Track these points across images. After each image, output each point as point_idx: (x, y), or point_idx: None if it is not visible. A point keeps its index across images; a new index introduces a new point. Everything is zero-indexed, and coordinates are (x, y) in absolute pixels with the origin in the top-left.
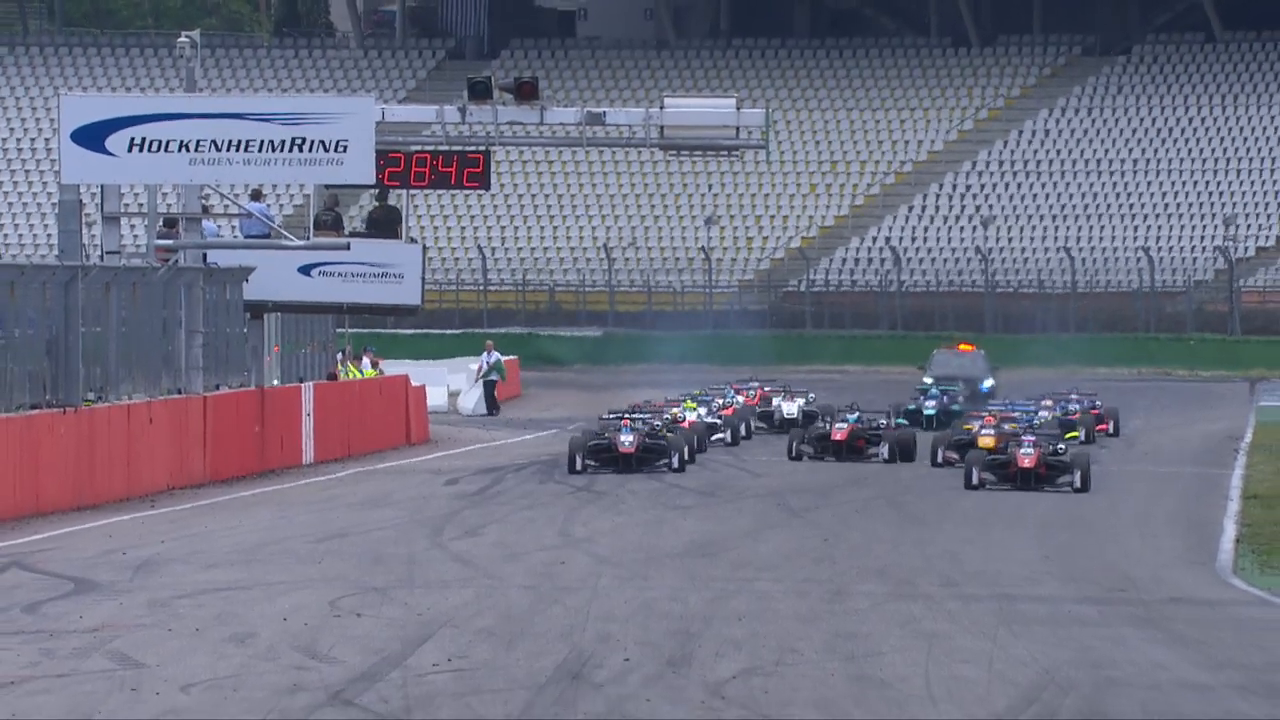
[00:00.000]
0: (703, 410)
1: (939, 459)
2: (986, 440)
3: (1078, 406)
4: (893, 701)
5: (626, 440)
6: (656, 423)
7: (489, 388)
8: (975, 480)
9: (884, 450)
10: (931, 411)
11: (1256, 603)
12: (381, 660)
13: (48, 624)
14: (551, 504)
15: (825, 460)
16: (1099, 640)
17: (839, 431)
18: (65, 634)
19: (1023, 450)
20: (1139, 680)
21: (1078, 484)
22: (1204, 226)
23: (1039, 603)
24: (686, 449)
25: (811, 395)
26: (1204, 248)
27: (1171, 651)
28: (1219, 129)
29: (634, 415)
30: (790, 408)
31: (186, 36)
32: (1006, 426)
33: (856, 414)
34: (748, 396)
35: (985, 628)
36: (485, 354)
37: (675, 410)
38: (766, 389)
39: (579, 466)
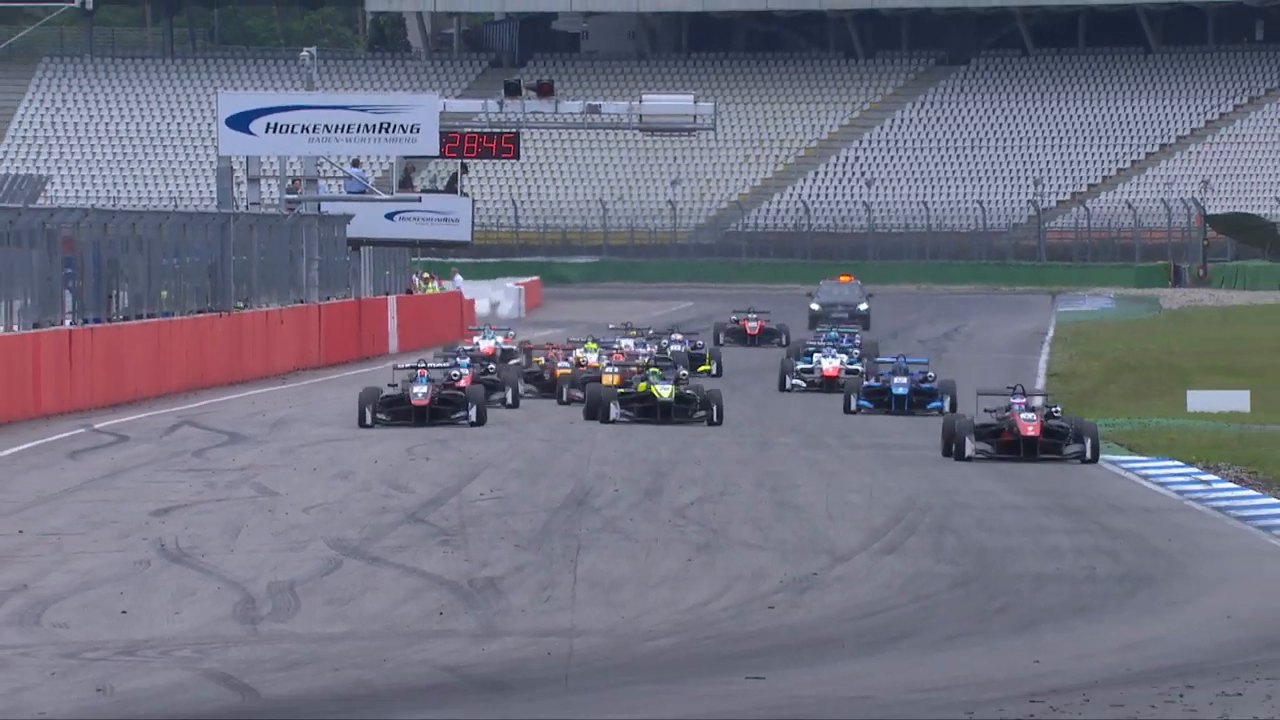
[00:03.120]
0: (604, 356)
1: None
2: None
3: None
4: (803, 520)
5: (419, 392)
6: (455, 373)
7: None
8: (969, 451)
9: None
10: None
11: None
12: (443, 491)
13: (209, 464)
14: None
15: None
16: (948, 476)
17: (664, 391)
18: (221, 471)
19: (1024, 417)
20: (976, 503)
21: (1088, 454)
22: (1020, 186)
23: (906, 450)
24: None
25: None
26: (1020, 201)
27: (998, 483)
28: (1031, 118)
29: (431, 366)
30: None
31: (307, 51)
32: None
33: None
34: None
35: (868, 468)
36: (452, 279)
37: (578, 353)
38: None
39: (369, 421)
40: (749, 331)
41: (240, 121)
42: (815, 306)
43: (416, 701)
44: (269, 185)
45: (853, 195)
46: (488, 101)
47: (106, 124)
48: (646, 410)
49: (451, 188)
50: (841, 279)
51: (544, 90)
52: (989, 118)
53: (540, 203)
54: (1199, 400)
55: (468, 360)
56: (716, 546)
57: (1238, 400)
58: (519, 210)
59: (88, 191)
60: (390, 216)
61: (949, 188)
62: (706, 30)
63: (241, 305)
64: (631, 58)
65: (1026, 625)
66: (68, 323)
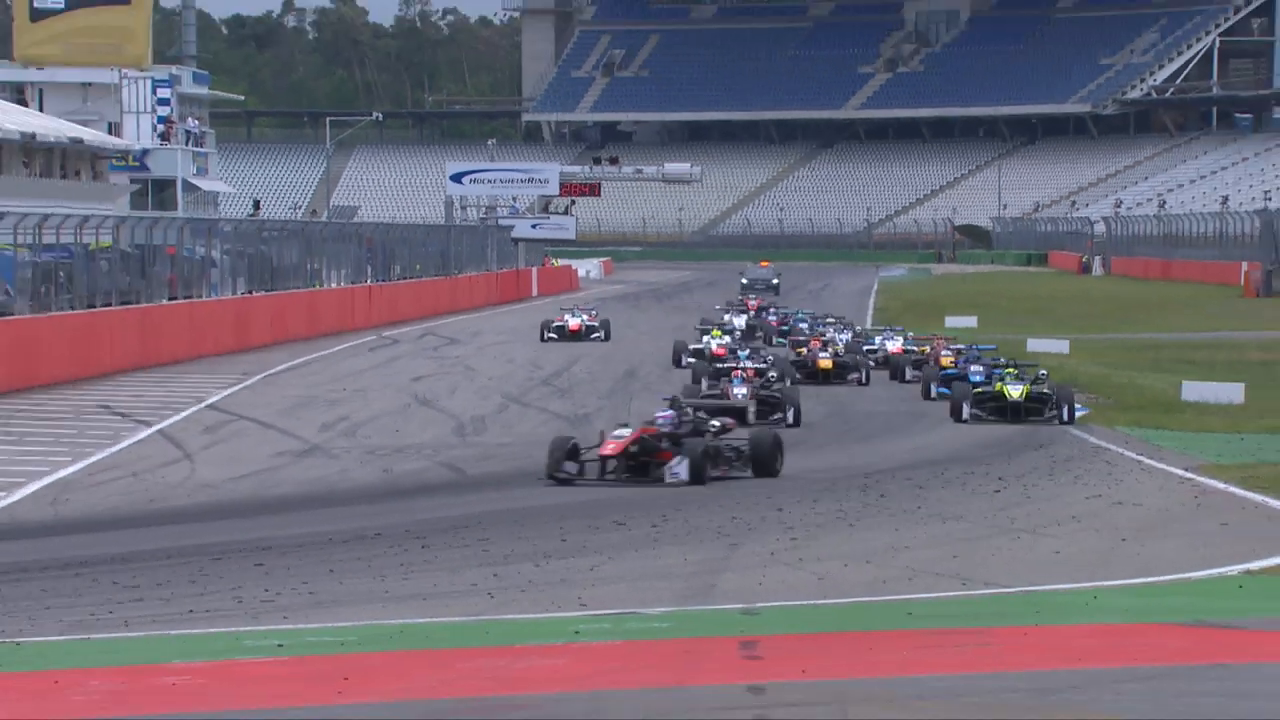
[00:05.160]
0: (727, 339)
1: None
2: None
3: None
4: None
5: (740, 394)
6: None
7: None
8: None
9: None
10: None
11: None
12: (561, 368)
13: (440, 354)
14: (636, 303)
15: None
16: None
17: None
18: (446, 358)
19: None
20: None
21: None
22: (860, 211)
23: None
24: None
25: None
26: (860, 219)
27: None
28: (866, 175)
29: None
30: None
31: (491, 141)
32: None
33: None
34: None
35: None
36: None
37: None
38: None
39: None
40: (751, 307)
41: (457, 177)
42: (744, 280)
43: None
44: (472, 210)
45: (772, 216)
46: (584, 166)
47: (388, 178)
48: (999, 410)
49: (566, 212)
50: (761, 264)
51: (613, 161)
52: (844, 175)
53: (611, 219)
54: (951, 321)
55: (747, 352)
56: None
57: (971, 321)
58: (600, 223)
59: (379, 214)
60: (533, 226)
61: (823, 212)
62: (697, 130)
63: (457, 272)
64: (658, 144)
65: (864, 439)
66: (368, 282)
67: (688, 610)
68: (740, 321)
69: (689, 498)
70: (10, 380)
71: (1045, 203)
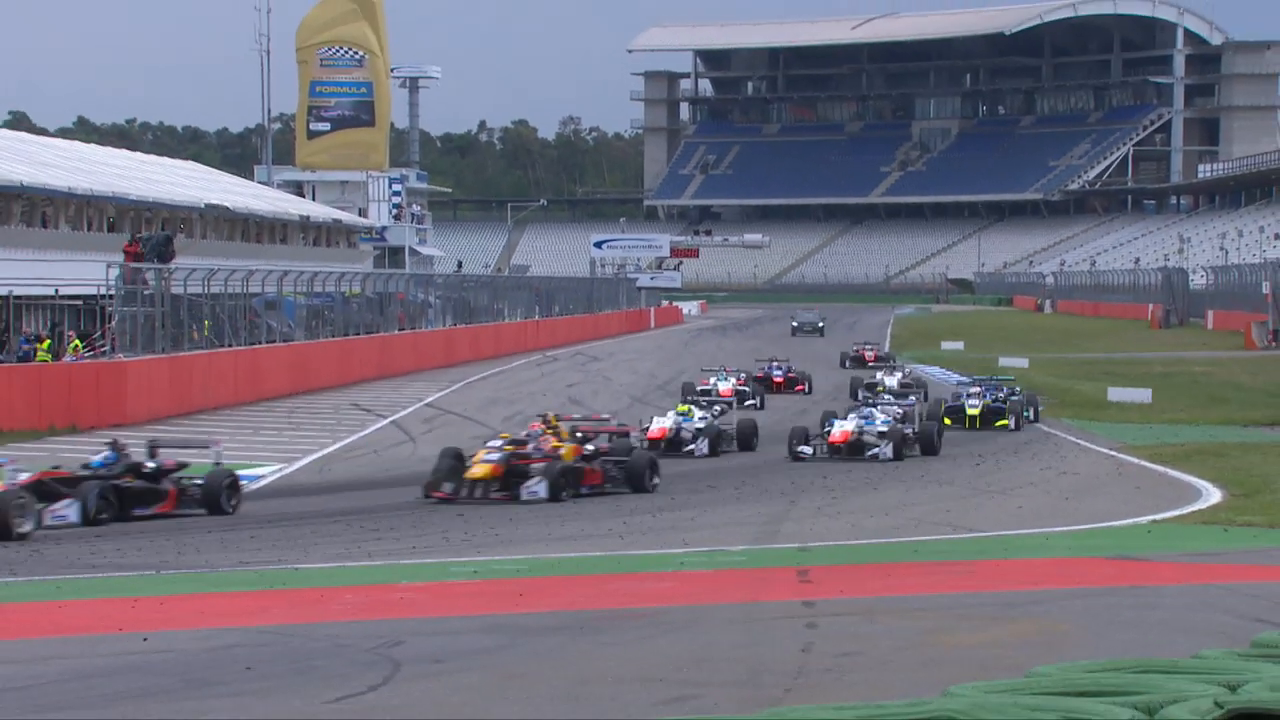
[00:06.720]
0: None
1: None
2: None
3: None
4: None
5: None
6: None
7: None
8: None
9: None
10: (975, 406)
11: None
12: (671, 377)
13: (586, 368)
14: (724, 332)
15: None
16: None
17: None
18: (590, 371)
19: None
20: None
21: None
22: (881, 268)
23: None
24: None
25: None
26: (881, 274)
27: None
28: (884, 242)
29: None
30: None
31: (622, 219)
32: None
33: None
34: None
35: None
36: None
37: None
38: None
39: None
40: (867, 358)
41: (598, 244)
42: (795, 323)
43: None
44: (608, 267)
45: (819, 272)
46: (687, 236)
47: (550, 245)
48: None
49: (675, 268)
50: (805, 306)
51: (708, 232)
52: (870, 242)
53: (706, 273)
54: (946, 345)
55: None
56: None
57: (959, 345)
58: (698, 276)
59: (544, 270)
60: (651, 278)
61: (855, 268)
62: (767, 210)
63: (597, 310)
64: (739, 220)
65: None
66: (536, 317)
67: (759, 548)
68: (893, 381)
69: (763, 470)
70: (292, 386)
71: (1011, 262)
